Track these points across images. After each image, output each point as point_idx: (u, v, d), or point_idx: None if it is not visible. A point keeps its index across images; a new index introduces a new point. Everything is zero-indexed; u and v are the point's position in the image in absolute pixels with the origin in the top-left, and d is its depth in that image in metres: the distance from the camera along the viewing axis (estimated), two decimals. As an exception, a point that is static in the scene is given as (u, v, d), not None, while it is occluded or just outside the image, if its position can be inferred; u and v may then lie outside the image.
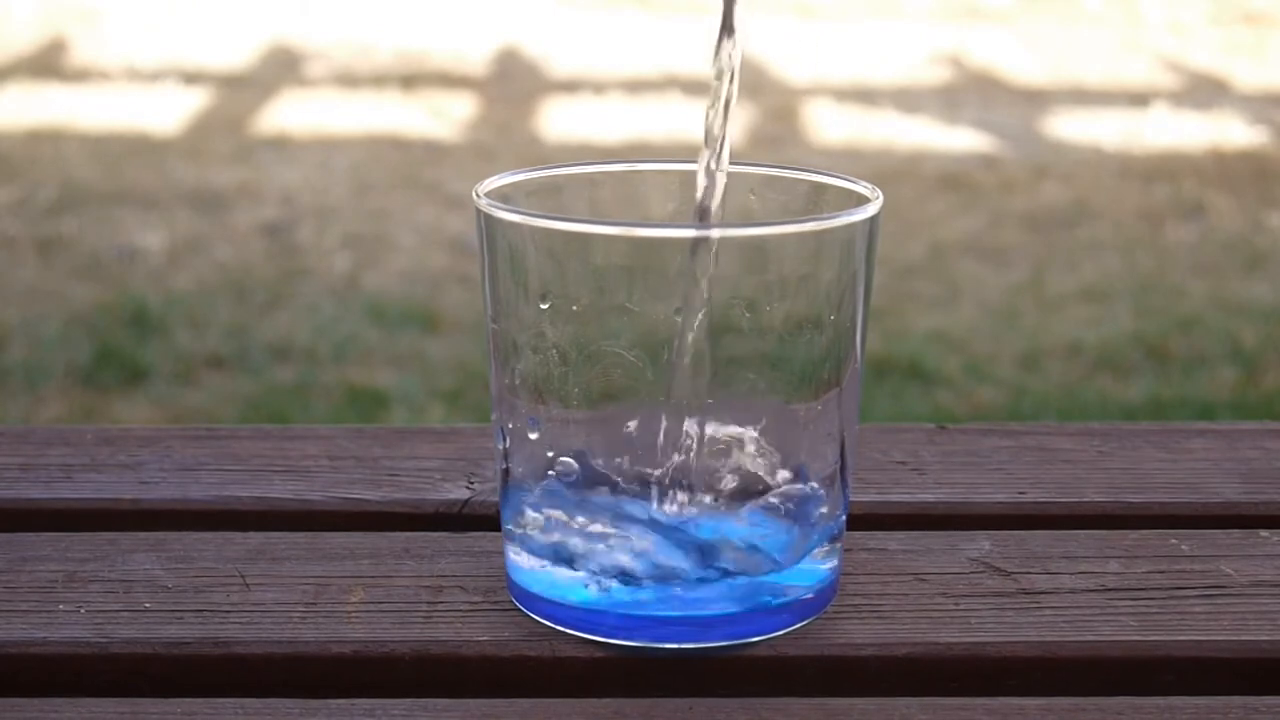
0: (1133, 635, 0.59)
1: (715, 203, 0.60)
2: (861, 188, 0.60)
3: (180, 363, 2.41)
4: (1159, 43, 4.85)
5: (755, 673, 0.57)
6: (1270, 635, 0.59)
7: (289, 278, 2.79)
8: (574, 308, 0.57)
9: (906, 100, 4.11)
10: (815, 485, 0.58)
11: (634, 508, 0.57)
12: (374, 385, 2.33)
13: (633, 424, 0.58)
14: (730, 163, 0.60)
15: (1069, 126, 3.92)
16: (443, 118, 3.92)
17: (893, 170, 3.45)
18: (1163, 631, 0.59)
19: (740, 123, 3.75)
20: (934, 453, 0.74)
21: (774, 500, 0.58)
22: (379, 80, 4.26)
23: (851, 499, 0.61)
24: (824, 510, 0.58)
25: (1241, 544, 0.65)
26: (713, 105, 0.59)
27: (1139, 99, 4.16)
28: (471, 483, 0.70)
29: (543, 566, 0.58)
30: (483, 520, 0.67)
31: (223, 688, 0.57)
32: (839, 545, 0.60)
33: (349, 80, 4.27)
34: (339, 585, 0.61)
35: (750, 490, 0.58)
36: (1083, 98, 4.21)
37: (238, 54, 4.52)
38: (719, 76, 0.59)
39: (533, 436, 0.58)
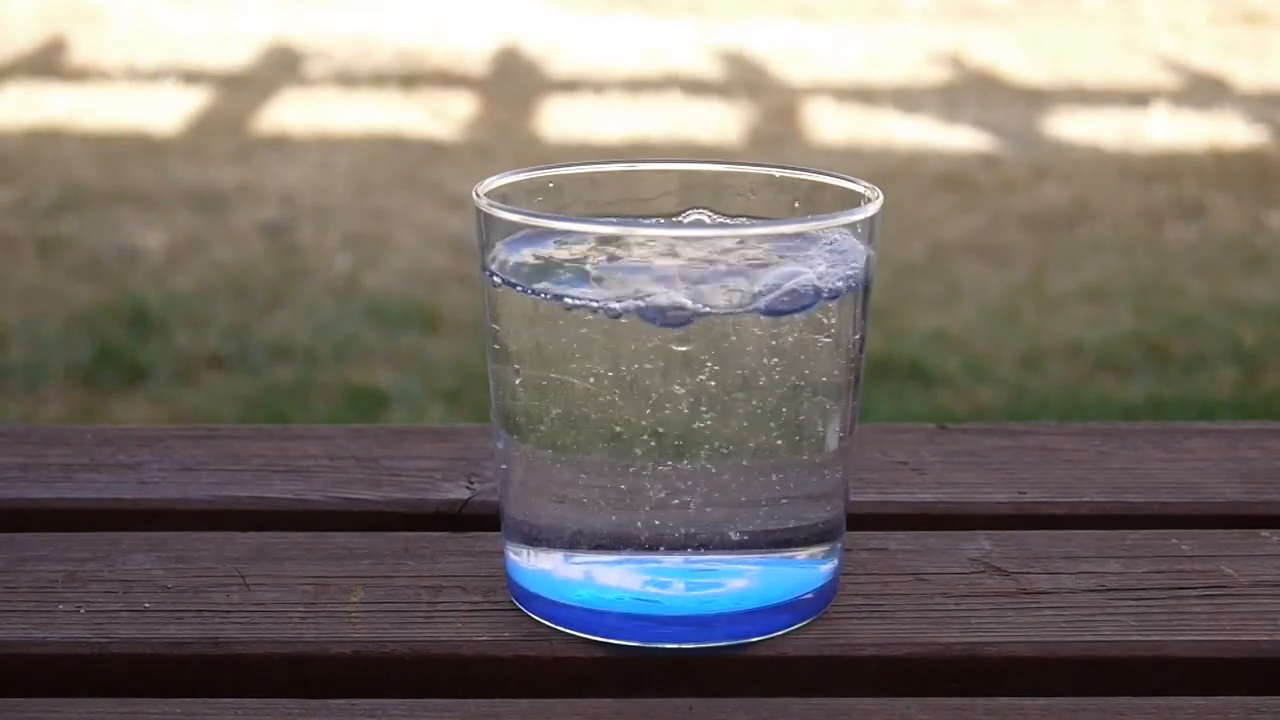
0: (1133, 635, 0.59)
1: None
2: (861, 187, 0.60)
3: (180, 363, 2.41)
4: (1159, 43, 4.85)
5: (755, 673, 0.57)
6: (1270, 635, 0.59)
7: (289, 278, 2.79)
8: (574, 308, 0.57)
9: (906, 100, 4.11)
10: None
11: None
12: (374, 385, 2.33)
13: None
14: (730, 163, 0.61)
15: (1069, 126, 3.92)
16: (443, 118, 3.92)
17: (893, 170, 3.45)
18: (1163, 631, 0.59)
19: (741, 122, 3.75)
20: (934, 453, 0.74)
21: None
22: (379, 80, 4.26)
23: (851, 499, 0.61)
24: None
25: (1241, 544, 0.65)
26: None
27: (1139, 99, 4.15)
28: (471, 483, 0.70)
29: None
30: (483, 520, 0.67)
31: (222, 688, 0.57)
32: (838, 546, 0.60)
33: (349, 80, 4.27)
34: (339, 585, 0.61)
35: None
36: (1083, 98, 4.21)
37: (238, 54, 4.52)
38: None
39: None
